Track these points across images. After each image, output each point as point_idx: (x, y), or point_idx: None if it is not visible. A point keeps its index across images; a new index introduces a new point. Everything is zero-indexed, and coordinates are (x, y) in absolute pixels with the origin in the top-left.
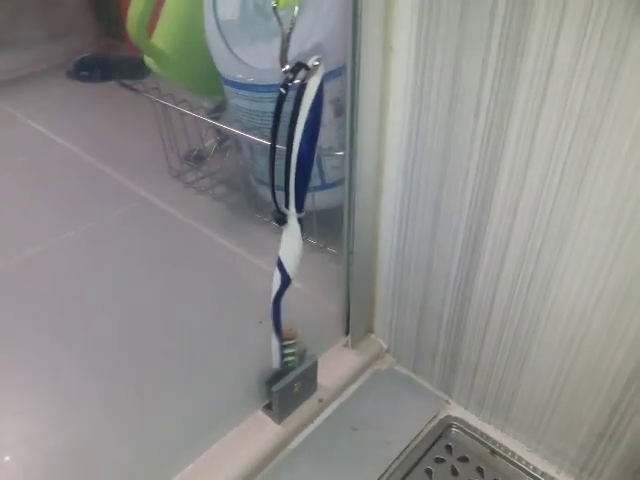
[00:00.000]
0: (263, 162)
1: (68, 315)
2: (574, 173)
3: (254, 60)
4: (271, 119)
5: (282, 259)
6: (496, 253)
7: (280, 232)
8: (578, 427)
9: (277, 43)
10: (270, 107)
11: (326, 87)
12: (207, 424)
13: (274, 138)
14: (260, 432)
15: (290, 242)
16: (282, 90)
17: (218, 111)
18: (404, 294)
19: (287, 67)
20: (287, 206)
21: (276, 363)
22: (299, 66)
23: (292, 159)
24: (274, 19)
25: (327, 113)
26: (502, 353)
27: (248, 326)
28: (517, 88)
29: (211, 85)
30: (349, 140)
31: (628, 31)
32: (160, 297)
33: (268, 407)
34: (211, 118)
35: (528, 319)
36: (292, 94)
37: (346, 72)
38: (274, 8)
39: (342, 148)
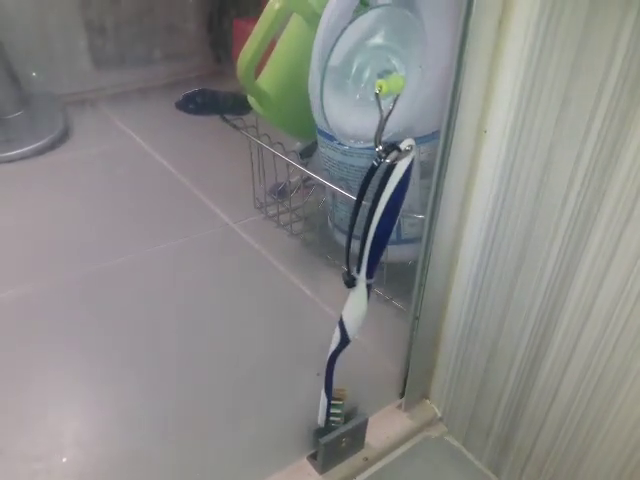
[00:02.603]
0: (344, 210)
1: (136, 329)
2: None
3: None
4: (357, 172)
5: (344, 319)
6: (565, 347)
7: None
8: None
9: (371, 113)
10: (358, 161)
11: (417, 149)
12: (253, 463)
13: (357, 207)
14: (302, 479)
15: (355, 305)
16: (374, 163)
17: (308, 153)
18: (465, 366)
19: (380, 147)
20: (358, 271)
21: (321, 421)
22: (392, 147)
23: (370, 230)
24: (373, 100)
25: (414, 173)
26: (558, 447)
27: (305, 373)
28: (608, 187)
29: (306, 130)
30: (431, 206)
31: None
32: (225, 325)
33: (313, 457)
34: (301, 160)
35: (590, 419)
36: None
37: (437, 137)
38: (376, 95)
39: (423, 210)
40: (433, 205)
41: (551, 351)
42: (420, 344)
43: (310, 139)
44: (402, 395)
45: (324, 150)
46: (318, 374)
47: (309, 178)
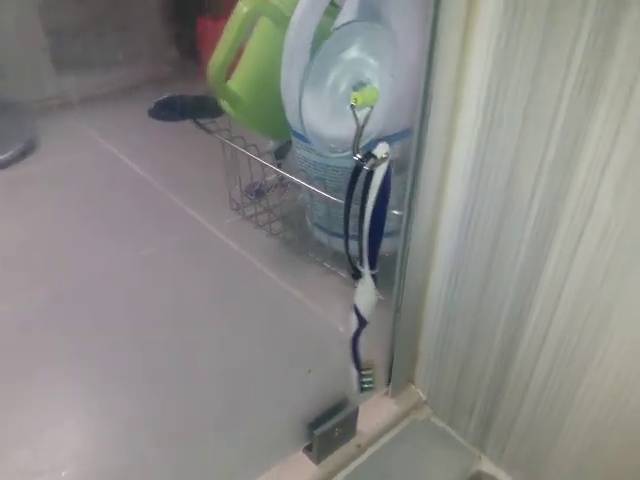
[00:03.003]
0: (322, 209)
1: (124, 338)
2: (625, 259)
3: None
4: (333, 172)
5: (357, 305)
6: (540, 326)
7: (330, 274)
8: None
9: (348, 122)
10: (334, 162)
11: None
12: (250, 459)
13: (347, 211)
14: (299, 471)
15: (365, 293)
16: (356, 169)
17: (282, 153)
18: (447, 350)
19: (358, 156)
20: (362, 264)
21: (357, 388)
22: (369, 155)
23: (364, 230)
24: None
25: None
26: (537, 422)
27: (296, 369)
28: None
29: (279, 129)
30: (408, 201)
31: None
32: (210, 328)
33: (309, 448)
34: (275, 160)
35: (564, 395)
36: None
37: (408, 135)
38: (352, 107)
39: (399, 205)
40: (410, 200)
41: (527, 331)
42: (403, 333)
43: (283, 138)
44: (388, 382)
45: (300, 151)
46: (309, 371)
47: (284, 178)
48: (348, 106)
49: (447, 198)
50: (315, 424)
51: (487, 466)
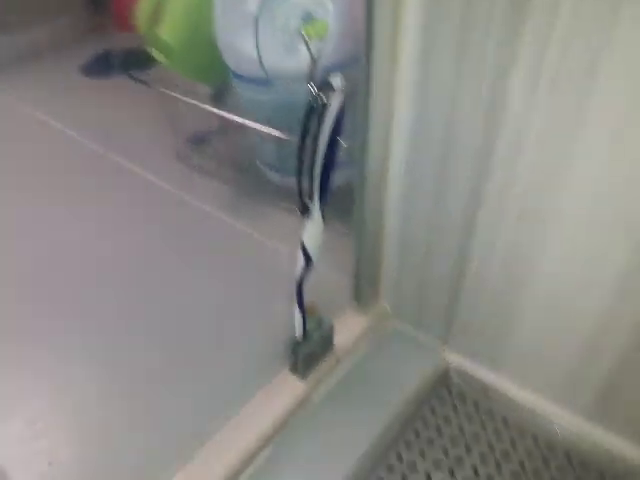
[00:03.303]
0: (272, 149)
1: (83, 299)
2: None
3: (267, 53)
4: (282, 109)
5: (306, 244)
6: (488, 234)
7: (285, 212)
8: (557, 367)
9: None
10: (282, 98)
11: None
12: (243, 384)
13: (302, 143)
14: (288, 388)
15: (313, 230)
16: (313, 105)
17: (219, 97)
18: (407, 263)
19: (315, 89)
20: (311, 199)
21: (299, 333)
22: (326, 87)
23: (317, 161)
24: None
25: None
26: (493, 309)
27: (269, 300)
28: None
29: (214, 75)
30: (361, 127)
31: None
32: (181, 277)
33: (294, 367)
34: (215, 105)
35: (516, 282)
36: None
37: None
38: (306, 42)
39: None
40: (363, 126)
41: (478, 236)
42: (365, 253)
43: (220, 81)
44: (357, 300)
45: (246, 93)
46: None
47: (226, 122)
48: (301, 40)
49: (396, 121)
50: (298, 344)
51: (454, 358)
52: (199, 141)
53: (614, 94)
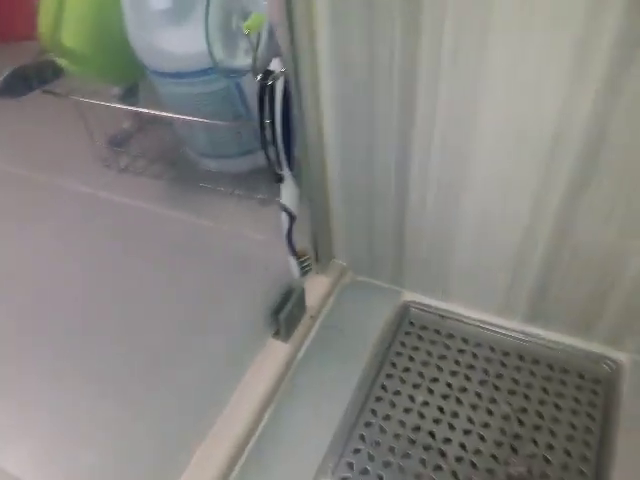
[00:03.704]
0: (203, 137)
1: (49, 317)
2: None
3: (182, 48)
4: (208, 97)
5: (286, 204)
6: (421, 175)
7: (227, 195)
8: (495, 285)
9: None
10: (207, 87)
11: None
12: (239, 358)
13: (261, 123)
14: (276, 352)
15: (289, 192)
16: (261, 91)
17: (131, 95)
18: (354, 220)
19: (260, 75)
20: (281, 167)
21: (297, 274)
22: (268, 73)
23: (278, 136)
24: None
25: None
26: (434, 245)
27: (242, 278)
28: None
29: (125, 74)
30: (297, 101)
31: None
32: (148, 279)
33: (277, 333)
34: (129, 104)
35: (448, 216)
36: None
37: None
38: (247, 35)
39: None
40: (299, 100)
41: (411, 183)
42: (317, 220)
43: (130, 80)
44: (318, 262)
45: (166, 88)
46: (266, 268)
47: (143, 119)
48: (243, 35)
49: (323, 92)
50: (277, 312)
51: (410, 296)
52: (121, 143)
53: (503, 47)
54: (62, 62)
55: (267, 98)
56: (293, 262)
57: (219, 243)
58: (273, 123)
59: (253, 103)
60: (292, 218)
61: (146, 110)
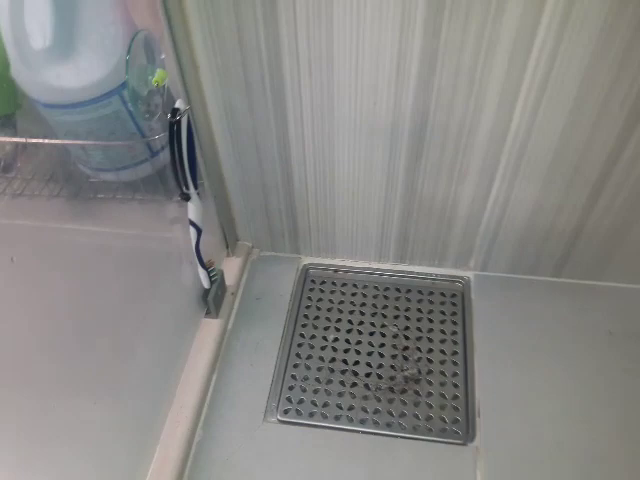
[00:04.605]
0: (99, 155)
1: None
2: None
3: (72, 82)
4: (101, 120)
5: (193, 220)
6: (299, 152)
7: (130, 201)
8: (369, 239)
9: (88, 55)
10: (95, 114)
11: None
12: (172, 343)
13: (172, 151)
14: (211, 328)
15: (195, 208)
16: (171, 129)
17: (10, 124)
18: (250, 204)
19: (169, 116)
20: (187, 187)
21: (206, 283)
22: (175, 111)
23: (185, 163)
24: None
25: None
26: (319, 215)
27: (168, 278)
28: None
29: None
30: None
31: None
32: (77, 291)
33: (207, 313)
34: (10, 134)
35: (326, 187)
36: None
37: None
38: (158, 89)
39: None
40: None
41: (294, 163)
42: (221, 210)
43: (4, 112)
44: (227, 247)
45: (60, 118)
46: (191, 262)
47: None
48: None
49: (207, 103)
50: (205, 296)
51: (307, 260)
52: (7, 168)
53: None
54: None
55: (174, 131)
56: (203, 272)
57: (134, 246)
58: (180, 150)
59: (141, 120)
60: (199, 231)
61: (40, 140)
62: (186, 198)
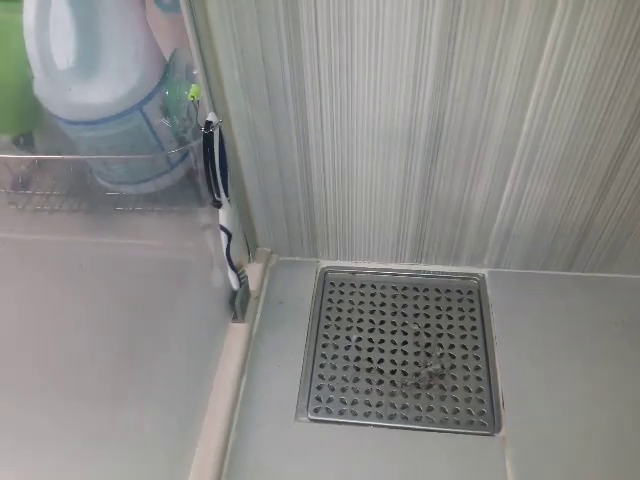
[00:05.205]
0: (121, 169)
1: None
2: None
3: (97, 98)
4: (124, 136)
5: (225, 225)
6: (319, 161)
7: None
8: (386, 241)
9: (110, 73)
10: (117, 129)
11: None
12: (202, 347)
13: (206, 161)
14: (238, 332)
15: (226, 214)
16: (205, 141)
17: (27, 141)
18: (270, 211)
19: (203, 128)
20: (219, 195)
21: (236, 285)
22: (208, 123)
23: (217, 172)
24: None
25: (157, 118)
26: (337, 220)
27: (194, 283)
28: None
29: (22, 124)
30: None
31: None
32: (105, 304)
33: (234, 318)
34: (23, 149)
35: (345, 200)
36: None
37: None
38: (192, 101)
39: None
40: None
41: (313, 169)
42: (243, 217)
43: (26, 130)
44: (249, 253)
45: (85, 135)
46: (220, 268)
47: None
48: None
49: (231, 116)
50: (232, 301)
51: (325, 263)
52: (25, 184)
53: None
54: None
55: (208, 142)
56: (233, 275)
57: (157, 257)
58: (213, 160)
59: (161, 134)
60: (229, 236)
61: (60, 156)
62: (218, 205)
